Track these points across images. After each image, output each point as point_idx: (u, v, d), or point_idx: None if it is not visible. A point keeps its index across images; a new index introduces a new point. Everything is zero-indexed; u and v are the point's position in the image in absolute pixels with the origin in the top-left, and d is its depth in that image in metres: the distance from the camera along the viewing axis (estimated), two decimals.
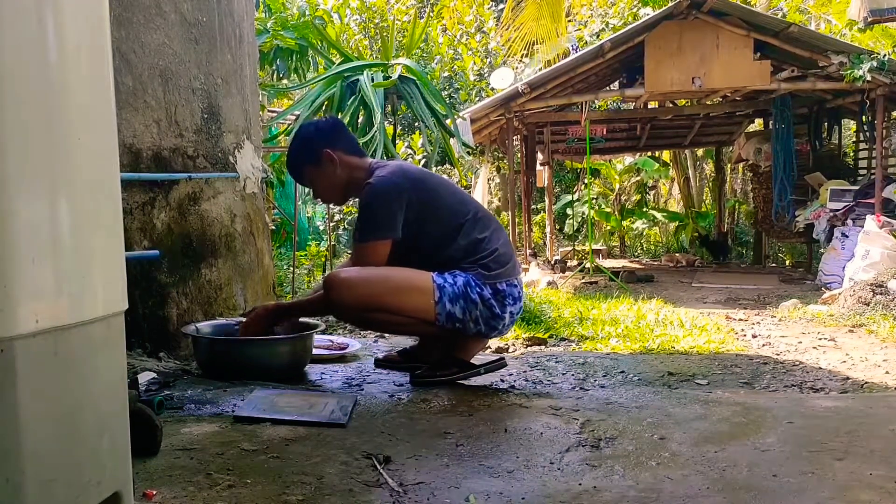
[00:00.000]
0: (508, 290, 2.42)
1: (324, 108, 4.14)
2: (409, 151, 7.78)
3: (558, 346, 3.95)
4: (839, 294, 5.60)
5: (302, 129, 2.61)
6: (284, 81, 5.44)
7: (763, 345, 4.04)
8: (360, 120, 4.14)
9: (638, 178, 12.84)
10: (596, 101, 9.52)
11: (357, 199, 2.55)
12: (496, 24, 11.86)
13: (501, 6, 11.53)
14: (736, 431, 1.96)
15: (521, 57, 11.46)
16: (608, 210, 12.73)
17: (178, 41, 2.73)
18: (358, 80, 4.10)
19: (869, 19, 5.99)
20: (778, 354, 3.69)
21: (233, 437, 1.79)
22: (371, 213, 2.38)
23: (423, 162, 7.22)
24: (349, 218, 9.03)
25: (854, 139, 9.09)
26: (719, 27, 7.10)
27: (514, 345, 3.87)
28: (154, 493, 1.39)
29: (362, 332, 3.95)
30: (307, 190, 3.12)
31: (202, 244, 2.82)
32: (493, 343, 3.74)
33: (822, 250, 7.44)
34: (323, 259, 6.12)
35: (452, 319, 2.34)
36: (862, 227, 6.39)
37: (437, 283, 2.33)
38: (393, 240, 2.35)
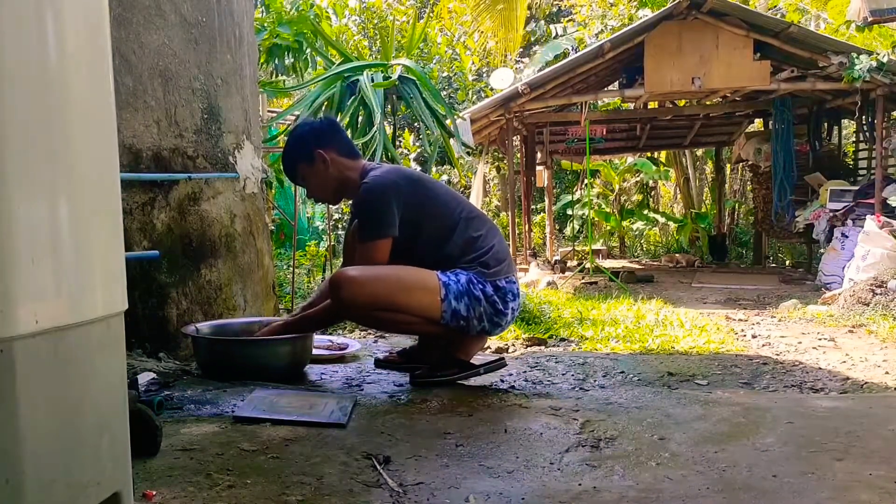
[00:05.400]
0: (508, 286, 2.43)
1: (323, 108, 4.13)
2: (404, 151, 7.78)
3: (558, 346, 3.95)
4: (839, 294, 5.60)
5: (297, 128, 2.63)
6: (285, 80, 5.44)
7: (763, 345, 4.03)
8: (359, 120, 4.14)
9: (638, 178, 12.84)
10: (598, 102, 9.53)
11: (351, 200, 2.56)
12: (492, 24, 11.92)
13: (500, 7, 11.54)
14: (736, 432, 1.96)
15: (518, 59, 11.53)
16: (608, 210, 12.73)
17: (178, 41, 2.73)
18: (358, 80, 4.10)
19: (869, 19, 5.99)
20: (778, 355, 3.68)
21: (233, 437, 1.79)
22: (370, 211, 2.39)
23: (413, 161, 7.23)
24: (347, 217, 9.02)
25: (854, 139, 9.09)
26: (719, 27, 7.10)
27: (514, 345, 3.87)
28: (154, 493, 1.39)
29: (362, 333, 3.95)
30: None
31: (202, 244, 2.82)
32: (493, 343, 3.74)
33: (821, 250, 7.44)
34: (322, 259, 6.12)
35: (457, 317, 2.35)
36: (862, 227, 6.39)
37: (442, 281, 2.34)
38: (394, 238, 2.36)
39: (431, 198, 2.45)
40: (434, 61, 12.25)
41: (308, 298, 3.01)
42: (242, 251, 3.03)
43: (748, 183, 11.47)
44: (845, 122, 9.36)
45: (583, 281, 7.68)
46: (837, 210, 7.20)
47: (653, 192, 14.09)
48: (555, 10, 13.46)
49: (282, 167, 2.62)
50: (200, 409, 2.05)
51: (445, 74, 12.80)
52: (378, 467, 1.64)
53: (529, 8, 12.73)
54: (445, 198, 2.50)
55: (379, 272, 2.33)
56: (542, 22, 13.40)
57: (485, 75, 12.83)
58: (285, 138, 2.64)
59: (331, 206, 4.17)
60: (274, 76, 5.45)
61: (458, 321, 2.36)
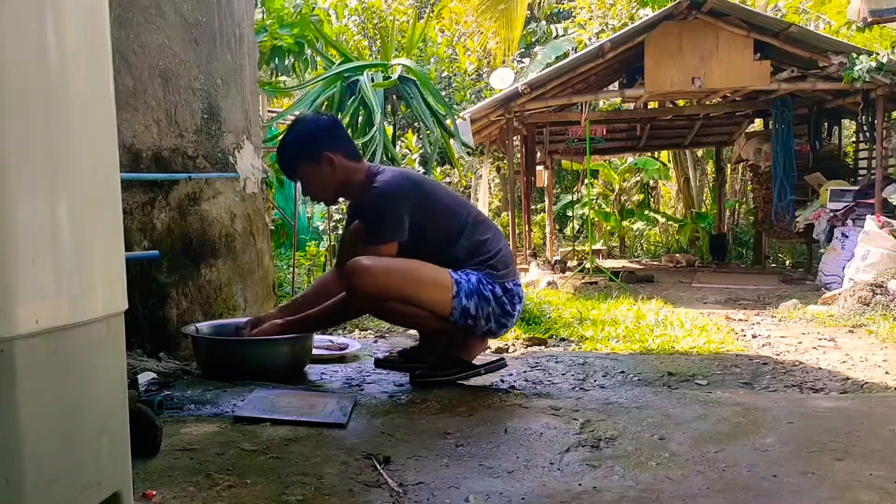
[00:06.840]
0: (515, 289, 2.47)
1: (323, 108, 4.13)
2: (406, 151, 7.78)
3: (558, 346, 3.95)
4: (839, 294, 5.60)
5: (300, 125, 2.49)
6: (285, 79, 5.44)
7: (763, 345, 4.04)
8: (359, 120, 4.14)
9: (638, 178, 12.84)
10: (598, 102, 9.53)
11: (349, 200, 2.56)
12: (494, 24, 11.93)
13: (501, 7, 11.54)
14: (736, 431, 1.96)
15: (520, 58, 11.55)
16: (608, 210, 12.74)
17: (178, 42, 2.73)
18: (358, 80, 4.10)
19: (869, 20, 5.99)
20: (778, 355, 3.69)
21: (233, 437, 1.79)
22: (379, 216, 2.38)
23: (417, 162, 7.23)
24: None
25: (854, 139, 9.08)
26: (719, 27, 7.10)
27: (514, 345, 3.87)
28: (154, 493, 1.39)
29: (362, 333, 3.95)
30: None
31: (202, 244, 2.82)
32: (493, 343, 3.74)
33: (822, 250, 7.44)
34: (322, 259, 6.12)
35: (466, 315, 2.36)
36: (862, 227, 6.39)
37: (454, 279, 2.35)
38: (400, 242, 2.37)
39: (436, 201, 2.46)
40: (432, 61, 12.24)
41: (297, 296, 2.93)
42: (242, 251, 3.03)
43: (748, 183, 11.48)
44: (845, 122, 9.35)
45: (583, 281, 7.68)
46: (837, 210, 7.20)
47: (653, 192, 14.09)
48: (556, 10, 13.47)
49: (277, 163, 2.52)
50: (200, 409, 2.05)
51: (445, 74, 12.80)
52: (378, 467, 1.64)
53: (530, 8, 12.76)
54: (451, 201, 2.51)
55: (393, 263, 2.33)
56: (544, 22, 13.41)
57: (485, 75, 12.84)
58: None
59: (330, 206, 4.17)
60: (273, 76, 5.45)
61: (466, 320, 2.37)
